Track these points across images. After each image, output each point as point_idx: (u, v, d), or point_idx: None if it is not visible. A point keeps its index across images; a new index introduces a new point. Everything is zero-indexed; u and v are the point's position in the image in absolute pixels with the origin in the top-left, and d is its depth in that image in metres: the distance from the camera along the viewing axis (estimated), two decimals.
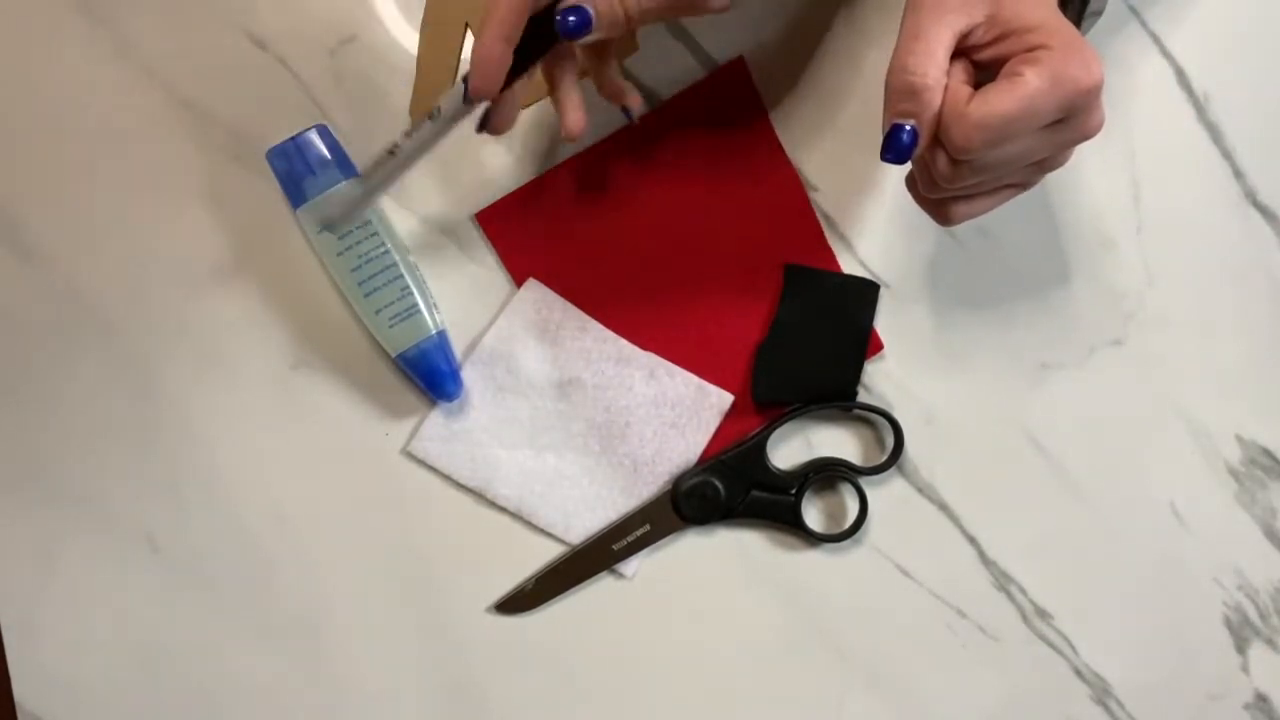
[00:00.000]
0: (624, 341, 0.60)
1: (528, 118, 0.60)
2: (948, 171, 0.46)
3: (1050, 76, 0.43)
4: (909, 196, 0.60)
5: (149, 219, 0.60)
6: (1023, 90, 0.43)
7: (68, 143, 0.60)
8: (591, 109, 0.60)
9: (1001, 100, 0.43)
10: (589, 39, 0.48)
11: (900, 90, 0.44)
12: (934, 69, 0.44)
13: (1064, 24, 0.44)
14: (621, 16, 0.48)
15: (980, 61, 0.45)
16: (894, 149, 0.45)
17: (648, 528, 0.59)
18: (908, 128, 0.45)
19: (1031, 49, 0.44)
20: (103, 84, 0.60)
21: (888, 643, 0.60)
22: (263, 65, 0.60)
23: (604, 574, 0.60)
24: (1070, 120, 0.44)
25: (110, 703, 0.60)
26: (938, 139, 0.45)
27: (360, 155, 0.60)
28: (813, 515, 0.60)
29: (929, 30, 0.44)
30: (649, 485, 0.60)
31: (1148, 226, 0.59)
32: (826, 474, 0.60)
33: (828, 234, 0.60)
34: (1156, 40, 0.59)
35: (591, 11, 0.47)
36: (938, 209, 0.48)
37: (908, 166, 0.48)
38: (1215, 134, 0.59)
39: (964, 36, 0.45)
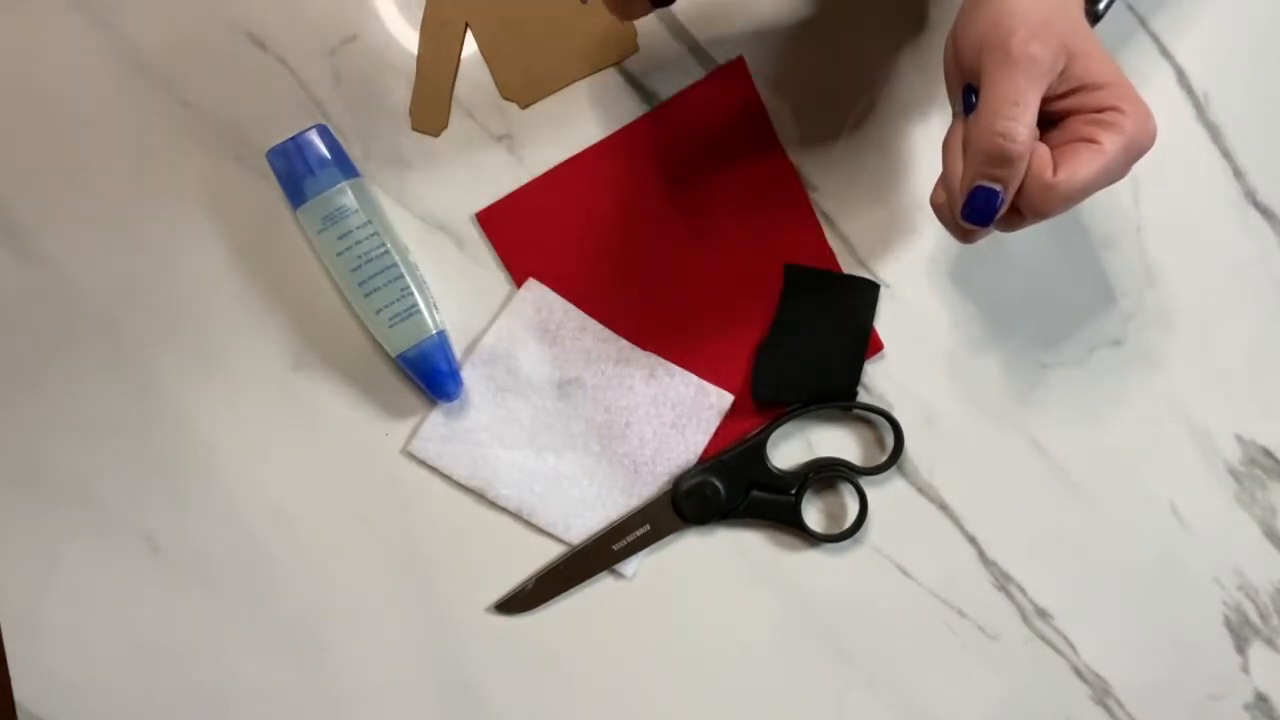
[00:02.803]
0: (624, 341, 0.60)
1: (527, 116, 0.60)
2: (1018, 226, 0.47)
3: (1125, 144, 0.45)
4: (909, 196, 0.60)
5: (149, 218, 0.60)
6: (1104, 160, 0.44)
7: (67, 143, 0.60)
8: (595, 109, 0.60)
9: (1086, 170, 0.44)
10: None
11: (995, 155, 0.44)
12: (1027, 133, 0.44)
13: (1127, 83, 0.45)
14: None
15: (1047, 113, 0.46)
16: (981, 213, 0.46)
17: (648, 528, 0.59)
18: (999, 193, 0.45)
19: (1102, 109, 0.45)
20: (102, 84, 0.60)
21: (888, 643, 0.60)
22: (263, 65, 0.60)
23: (604, 574, 0.60)
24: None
25: (110, 703, 0.60)
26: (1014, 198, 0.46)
27: (360, 155, 0.60)
28: (813, 515, 0.60)
29: (1027, 94, 0.44)
30: (649, 485, 0.60)
31: (1148, 226, 0.59)
32: (826, 474, 0.59)
33: (828, 234, 0.60)
34: (1157, 41, 0.59)
35: None
36: (965, 235, 0.49)
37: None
38: (1215, 134, 0.59)
39: None
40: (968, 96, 0.47)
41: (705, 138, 0.60)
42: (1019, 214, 0.47)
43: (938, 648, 0.60)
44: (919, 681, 0.60)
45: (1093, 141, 0.45)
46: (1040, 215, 0.46)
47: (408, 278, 0.57)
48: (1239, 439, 0.60)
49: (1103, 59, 0.45)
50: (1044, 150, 0.45)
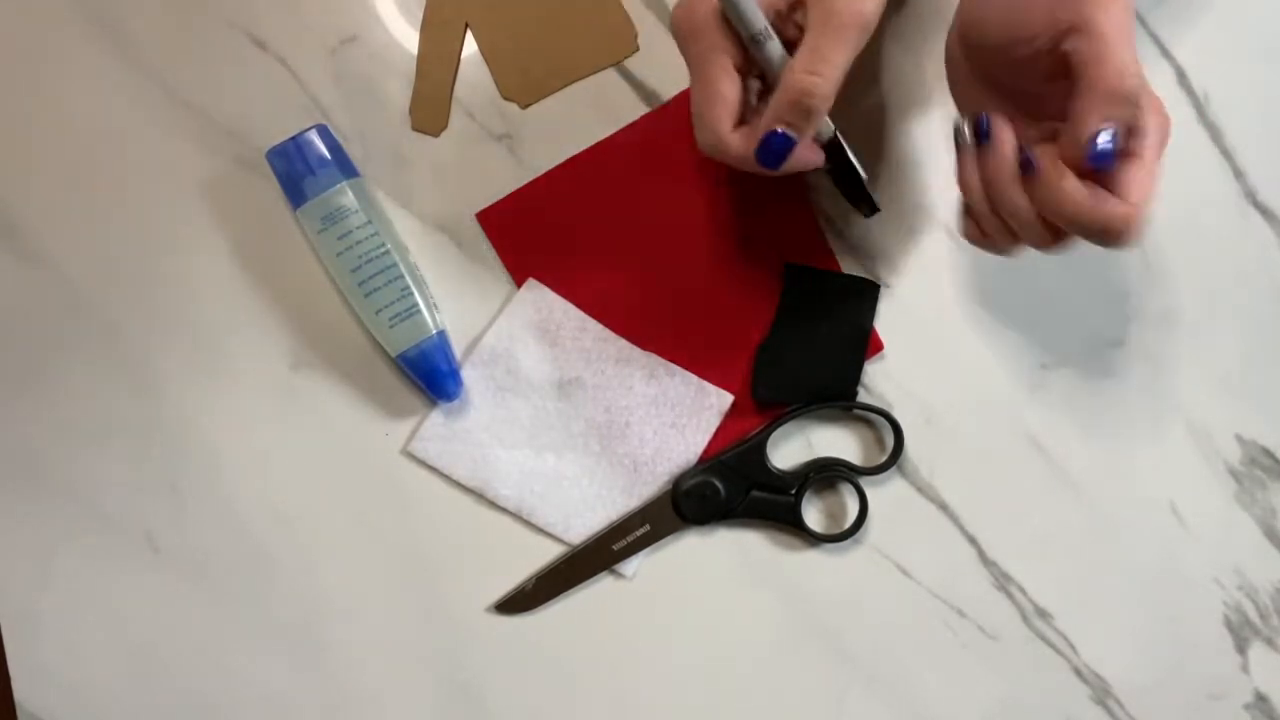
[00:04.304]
0: (624, 341, 0.60)
1: (527, 116, 0.60)
2: (1068, 246, 0.48)
3: (1156, 142, 0.46)
4: (909, 197, 0.60)
5: (149, 219, 0.60)
6: (1150, 166, 0.46)
7: (68, 143, 0.60)
8: (595, 109, 0.60)
9: (1144, 182, 0.45)
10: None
11: (1127, 95, 0.45)
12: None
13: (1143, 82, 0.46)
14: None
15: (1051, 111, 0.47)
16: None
17: (648, 528, 0.59)
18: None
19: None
20: (103, 84, 0.60)
21: (888, 643, 0.60)
22: (263, 65, 0.60)
23: (604, 574, 0.60)
24: None
25: (110, 703, 0.60)
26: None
27: (360, 155, 0.60)
28: (813, 515, 0.60)
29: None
30: (649, 485, 0.60)
31: (1148, 227, 0.59)
32: (826, 474, 0.59)
33: (828, 234, 0.60)
34: (1157, 41, 0.59)
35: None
36: (1009, 251, 0.50)
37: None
38: (1215, 134, 0.59)
39: None
40: (980, 124, 0.47)
41: None
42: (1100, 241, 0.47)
43: (938, 648, 0.60)
44: (919, 681, 0.60)
45: (1130, 155, 0.45)
46: (1129, 242, 0.46)
47: (408, 278, 0.57)
48: (1239, 439, 0.60)
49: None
50: (1082, 185, 0.45)
